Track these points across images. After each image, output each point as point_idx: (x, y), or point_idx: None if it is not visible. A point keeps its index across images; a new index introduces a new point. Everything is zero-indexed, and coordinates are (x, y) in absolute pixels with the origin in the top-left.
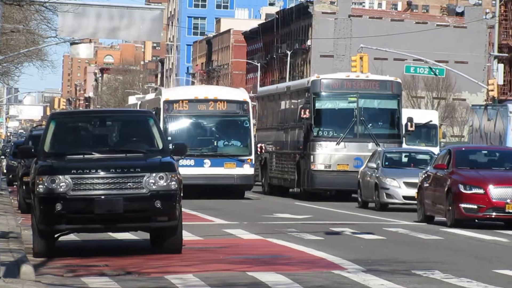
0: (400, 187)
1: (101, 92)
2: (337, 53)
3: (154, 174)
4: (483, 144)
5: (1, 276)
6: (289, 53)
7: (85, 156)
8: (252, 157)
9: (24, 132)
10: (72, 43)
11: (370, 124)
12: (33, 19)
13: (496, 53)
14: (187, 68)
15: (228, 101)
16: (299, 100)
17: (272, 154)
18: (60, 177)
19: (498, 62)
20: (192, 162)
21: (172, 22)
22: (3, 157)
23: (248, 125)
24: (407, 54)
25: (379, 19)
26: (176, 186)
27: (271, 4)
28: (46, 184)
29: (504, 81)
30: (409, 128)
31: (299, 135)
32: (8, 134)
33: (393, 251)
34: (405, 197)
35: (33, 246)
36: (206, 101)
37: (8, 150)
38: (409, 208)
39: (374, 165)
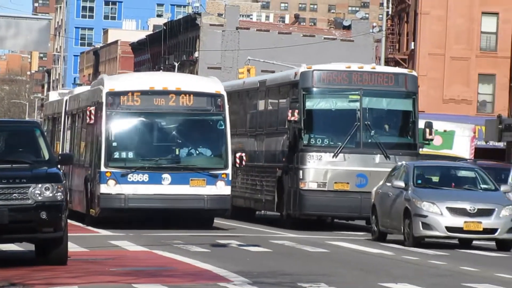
0: (442, 215)
1: None
2: (224, 65)
3: (40, 185)
4: None
5: None
6: (176, 64)
7: None
8: (229, 170)
9: None
10: None
11: (378, 130)
12: None
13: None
14: (74, 78)
15: (196, 94)
16: (280, 99)
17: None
18: None
19: None
20: (145, 177)
21: (59, 33)
22: None
23: (223, 126)
24: (295, 66)
25: (266, 32)
26: (62, 197)
27: (159, 16)
28: None
29: None
30: (428, 136)
31: (282, 143)
32: None
33: (279, 263)
34: (449, 229)
35: None
36: (165, 93)
37: None
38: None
39: (402, 184)
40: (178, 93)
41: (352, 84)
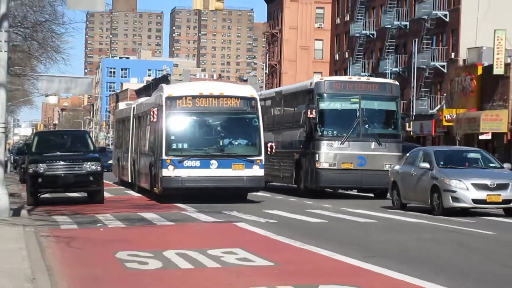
0: (468, 190)
1: (61, 121)
2: None
3: (89, 163)
4: None
5: (10, 215)
6: None
7: (53, 154)
8: (262, 157)
9: (21, 142)
10: (46, 96)
11: (372, 124)
12: (25, 82)
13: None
14: (106, 108)
15: (235, 97)
16: (296, 103)
17: None
18: (40, 164)
19: None
20: (197, 163)
21: (98, 84)
22: (10, 154)
23: (257, 123)
24: None
25: (205, 82)
26: (100, 169)
27: (149, 75)
28: (33, 168)
29: None
30: (407, 128)
31: (297, 135)
32: (14, 142)
33: (213, 201)
34: (474, 201)
35: (27, 200)
36: (211, 97)
37: (14, 151)
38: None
39: (427, 165)
40: (221, 97)
41: (353, 91)
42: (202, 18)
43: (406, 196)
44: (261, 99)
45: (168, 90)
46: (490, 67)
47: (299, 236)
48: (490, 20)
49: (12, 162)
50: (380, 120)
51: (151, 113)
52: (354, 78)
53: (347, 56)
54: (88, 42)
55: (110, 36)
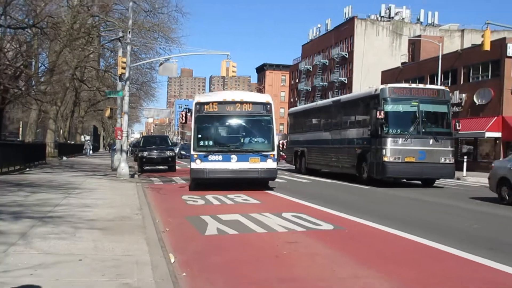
0: None
1: (154, 130)
2: None
3: (168, 151)
4: None
5: (129, 177)
6: None
7: (151, 146)
8: (275, 152)
9: (135, 141)
10: (147, 118)
11: (429, 124)
12: (137, 111)
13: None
14: (177, 125)
15: (253, 103)
16: (356, 108)
17: (310, 148)
18: (144, 152)
19: None
20: (220, 157)
21: (173, 112)
22: (129, 147)
23: (271, 124)
24: None
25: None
26: (174, 154)
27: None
28: (141, 154)
29: None
30: (457, 128)
31: (360, 133)
32: (130, 141)
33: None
34: None
35: (138, 170)
36: (233, 103)
37: (131, 145)
38: None
39: None
40: (241, 102)
41: (413, 95)
42: (225, 80)
43: None
44: (317, 108)
45: (197, 97)
46: None
47: (289, 192)
48: (367, 82)
49: (130, 151)
50: (435, 120)
51: (180, 116)
52: (413, 85)
53: (297, 99)
54: (168, 91)
55: (179, 88)
